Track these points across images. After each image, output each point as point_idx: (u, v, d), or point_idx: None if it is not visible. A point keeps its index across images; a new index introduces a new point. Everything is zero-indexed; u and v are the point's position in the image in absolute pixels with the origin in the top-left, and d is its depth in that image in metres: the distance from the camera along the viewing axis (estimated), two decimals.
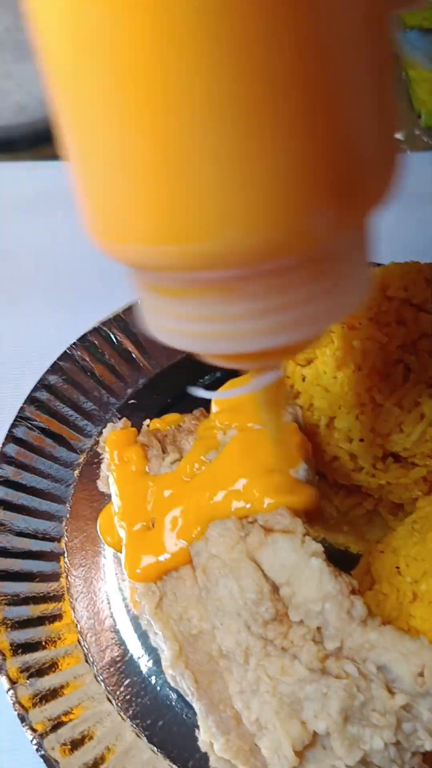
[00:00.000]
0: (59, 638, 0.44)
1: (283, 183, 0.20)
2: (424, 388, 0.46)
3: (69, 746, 0.38)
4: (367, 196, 0.22)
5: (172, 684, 0.40)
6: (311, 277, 0.23)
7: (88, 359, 0.59)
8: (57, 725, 0.38)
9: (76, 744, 0.38)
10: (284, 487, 0.41)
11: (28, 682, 0.40)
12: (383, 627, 0.35)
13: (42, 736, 0.38)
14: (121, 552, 0.45)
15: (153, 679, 0.42)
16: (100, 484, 0.53)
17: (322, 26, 0.19)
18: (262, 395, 0.35)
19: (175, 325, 0.24)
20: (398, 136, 0.96)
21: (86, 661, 0.43)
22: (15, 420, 0.54)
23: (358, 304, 0.26)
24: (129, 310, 0.61)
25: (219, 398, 0.51)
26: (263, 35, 0.18)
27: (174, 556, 0.43)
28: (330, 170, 0.20)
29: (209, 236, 0.20)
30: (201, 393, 0.50)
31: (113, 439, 0.51)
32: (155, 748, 0.39)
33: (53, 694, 0.40)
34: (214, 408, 0.50)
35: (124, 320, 0.61)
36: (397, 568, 0.42)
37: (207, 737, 0.37)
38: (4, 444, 0.52)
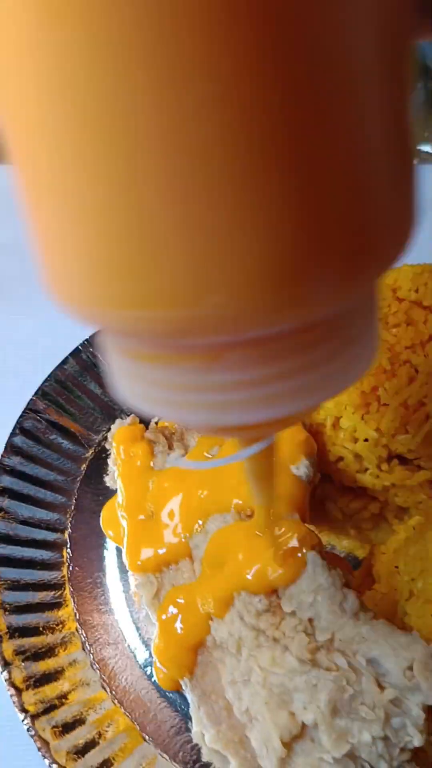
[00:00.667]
0: (57, 625, 0.44)
1: (273, 245, 0.17)
2: (430, 389, 0.45)
3: (60, 729, 0.38)
4: (377, 258, 0.19)
5: None
6: (306, 345, 0.20)
7: (99, 356, 0.60)
8: (49, 708, 0.39)
9: (67, 727, 0.38)
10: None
11: (23, 664, 0.40)
12: (375, 621, 0.35)
13: (34, 717, 0.38)
14: (122, 546, 0.46)
15: (148, 670, 0.42)
16: (108, 479, 0.54)
17: (321, 65, 0.16)
18: (249, 465, 0.31)
19: (151, 393, 0.22)
20: (427, 148, 0.96)
21: (83, 649, 0.43)
22: (24, 412, 0.55)
23: (364, 372, 0.22)
24: None
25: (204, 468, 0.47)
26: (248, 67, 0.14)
27: (173, 549, 0.43)
28: (334, 231, 0.17)
29: (189, 302, 0.17)
30: (185, 465, 0.49)
31: (120, 435, 0.51)
32: (147, 737, 0.39)
33: (48, 678, 0.40)
34: None
35: None
36: (396, 567, 0.41)
37: (198, 728, 0.37)
38: (12, 435, 0.53)
